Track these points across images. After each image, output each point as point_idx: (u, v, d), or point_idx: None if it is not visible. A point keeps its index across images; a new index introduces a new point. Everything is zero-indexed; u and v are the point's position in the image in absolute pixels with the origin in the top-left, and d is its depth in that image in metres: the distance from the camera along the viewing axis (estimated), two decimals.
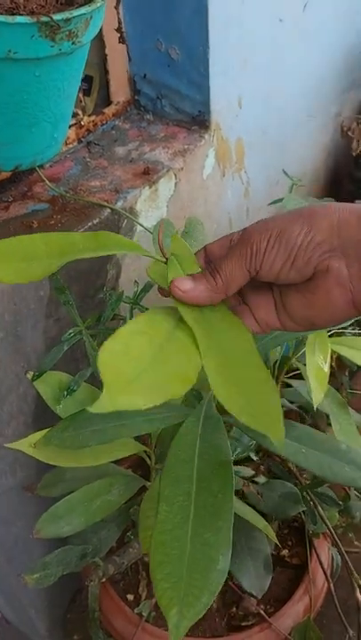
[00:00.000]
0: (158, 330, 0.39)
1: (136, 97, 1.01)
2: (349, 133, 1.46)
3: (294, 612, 0.81)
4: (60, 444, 0.55)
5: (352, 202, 1.12)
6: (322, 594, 0.84)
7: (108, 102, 1.00)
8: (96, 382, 0.64)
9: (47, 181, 0.81)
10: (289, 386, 0.87)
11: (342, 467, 0.53)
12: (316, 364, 0.66)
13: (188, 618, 0.37)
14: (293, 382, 0.86)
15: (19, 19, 0.52)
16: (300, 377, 0.90)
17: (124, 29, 0.92)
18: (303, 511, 0.81)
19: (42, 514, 0.90)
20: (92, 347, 0.54)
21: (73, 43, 0.57)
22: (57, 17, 0.53)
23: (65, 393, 0.60)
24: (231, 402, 0.35)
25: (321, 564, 0.83)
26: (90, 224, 0.77)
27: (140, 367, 0.34)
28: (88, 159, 0.90)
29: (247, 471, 0.76)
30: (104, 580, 0.67)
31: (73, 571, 0.63)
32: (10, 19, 0.51)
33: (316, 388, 0.65)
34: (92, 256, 0.44)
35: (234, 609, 0.86)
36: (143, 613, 0.75)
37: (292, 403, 0.87)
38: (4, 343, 0.72)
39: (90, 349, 0.54)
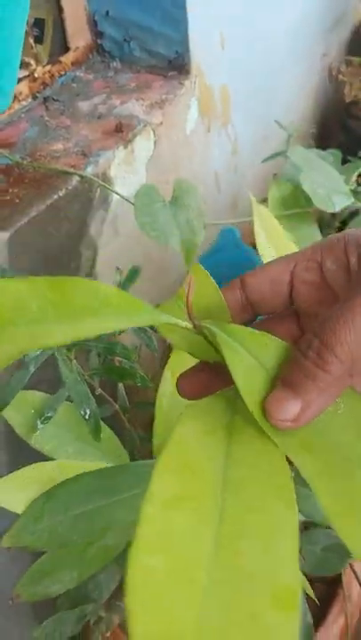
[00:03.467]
0: (206, 486, 0.20)
1: (98, 40, 0.85)
2: (340, 77, 1.31)
3: (330, 636, 0.70)
4: (35, 542, 0.41)
5: (344, 153, 0.96)
6: (359, 609, 0.74)
7: (65, 49, 0.83)
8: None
9: None
10: None
11: None
12: None
13: None
14: None
15: None
16: None
17: None
18: None
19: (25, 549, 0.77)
20: (67, 368, 0.41)
21: None
22: None
23: (39, 422, 0.46)
24: None
25: (356, 575, 0.72)
26: (55, 197, 0.62)
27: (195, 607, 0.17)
28: (46, 118, 0.74)
29: None
30: (108, 634, 0.55)
31: (70, 635, 0.50)
32: None
33: None
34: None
35: None
36: None
37: None
38: None
39: (65, 371, 0.41)
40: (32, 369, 0.41)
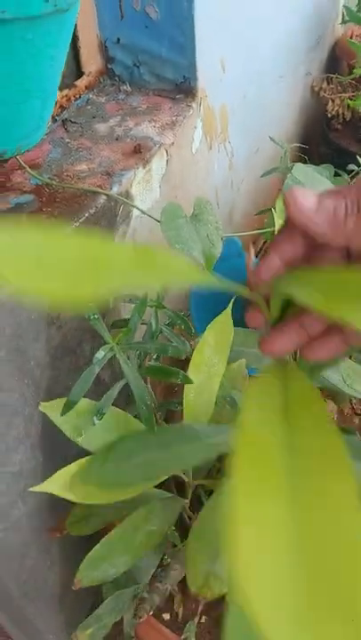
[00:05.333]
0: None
1: (109, 65, 0.90)
2: (322, 93, 1.39)
3: None
4: (101, 482, 0.46)
5: (324, 162, 1.03)
6: None
7: (78, 74, 0.89)
8: (118, 403, 0.56)
9: (29, 169, 0.70)
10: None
11: None
12: None
13: None
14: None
15: None
16: None
17: None
18: None
19: (55, 540, 0.81)
20: (128, 367, 0.46)
21: None
22: None
23: (95, 419, 0.51)
24: None
25: None
26: (86, 214, 0.67)
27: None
28: (67, 140, 0.80)
29: None
30: (151, 612, 0.60)
31: (124, 614, 0.55)
32: None
33: None
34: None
35: None
36: None
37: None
38: (4, 362, 0.62)
39: (127, 369, 0.46)
40: (97, 369, 0.46)
